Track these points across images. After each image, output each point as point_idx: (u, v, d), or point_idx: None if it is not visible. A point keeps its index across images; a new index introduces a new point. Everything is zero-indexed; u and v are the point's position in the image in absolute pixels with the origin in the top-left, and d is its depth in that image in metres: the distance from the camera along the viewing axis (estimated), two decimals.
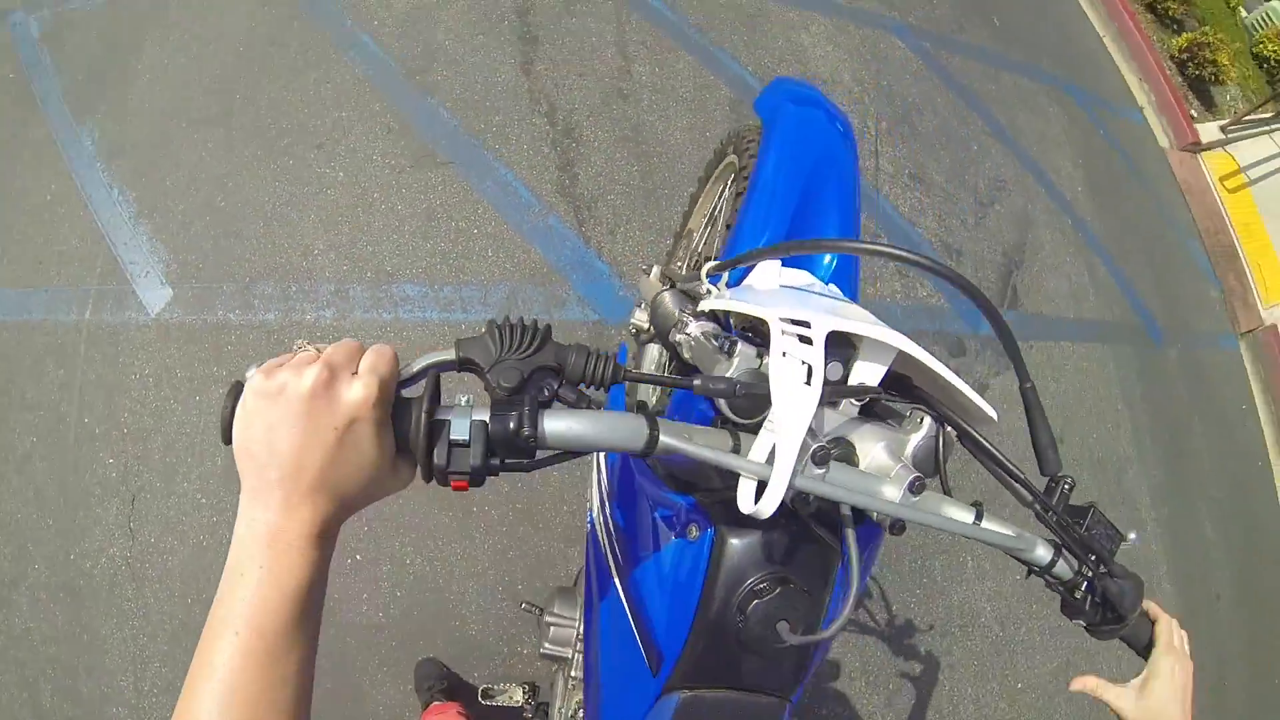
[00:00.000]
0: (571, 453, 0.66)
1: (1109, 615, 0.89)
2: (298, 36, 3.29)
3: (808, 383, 0.65)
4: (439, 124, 3.18)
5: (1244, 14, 9.15)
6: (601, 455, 1.17)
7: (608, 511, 1.05)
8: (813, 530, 0.78)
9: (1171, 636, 0.97)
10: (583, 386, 0.69)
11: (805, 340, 0.68)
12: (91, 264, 2.72)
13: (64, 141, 2.93)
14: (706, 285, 0.92)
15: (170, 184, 2.87)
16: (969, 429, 0.80)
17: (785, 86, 1.63)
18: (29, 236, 2.76)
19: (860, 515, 0.78)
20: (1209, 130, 6.80)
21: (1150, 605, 0.97)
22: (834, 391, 0.73)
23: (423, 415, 0.59)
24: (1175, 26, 7.22)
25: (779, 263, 0.88)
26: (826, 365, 0.69)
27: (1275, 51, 8.40)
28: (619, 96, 3.47)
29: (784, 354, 0.67)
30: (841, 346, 0.74)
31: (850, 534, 0.75)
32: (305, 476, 0.55)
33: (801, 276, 0.91)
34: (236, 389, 0.58)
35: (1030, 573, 0.88)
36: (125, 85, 3.09)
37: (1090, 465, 3.85)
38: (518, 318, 0.67)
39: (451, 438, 0.60)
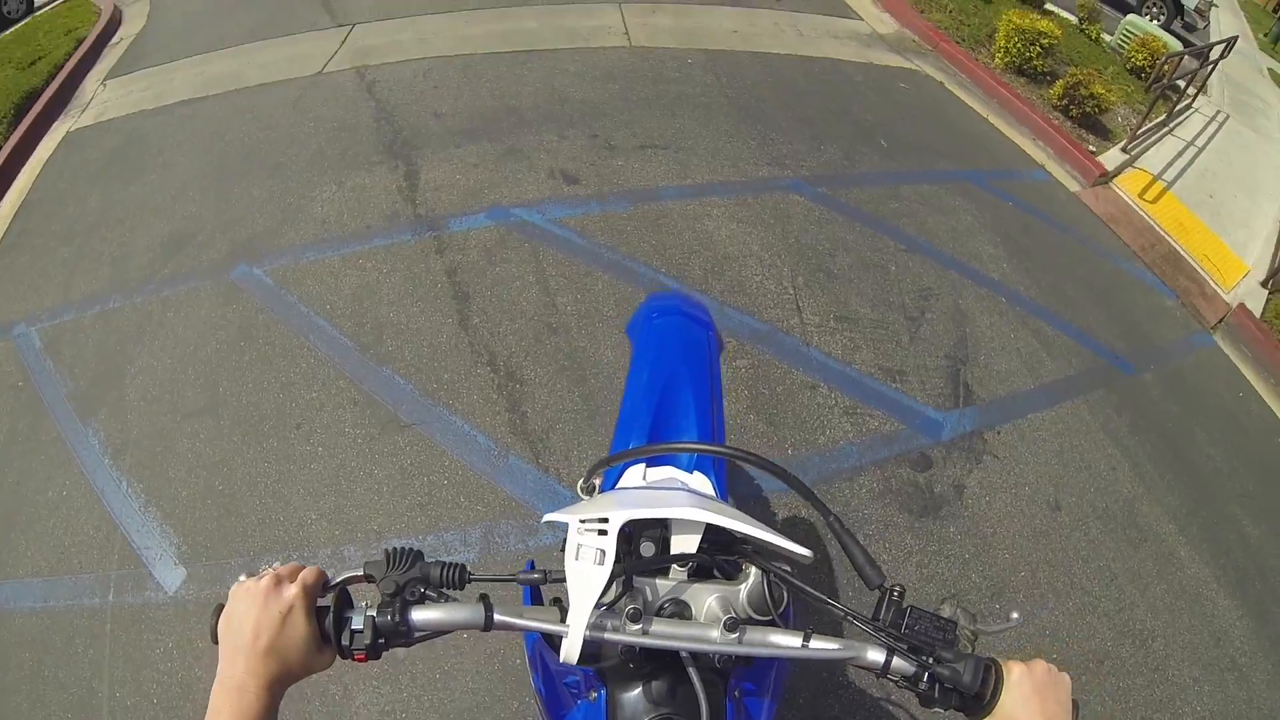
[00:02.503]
0: (440, 631, 0.93)
1: (963, 696, 0.93)
2: (264, 329, 3.74)
3: (601, 564, 0.86)
4: (397, 390, 3.52)
5: (1107, 39, 9.76)
6: (524, 637, 1.37)
7: (534, 683, 1.23)
8: (687, 672, 0.94)
9: (1024, 687, 0.94)
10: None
11: (604, 532, 0.88)
12: (109, 551, 2.99)
13: (73, 442, 3.32)
14: (580, 491, 1.15)
15: (172, 473, 3.20)
16: (781, 571, 0.96)
17: (649, 305, 1.81)
18: (50, 529, 3.07)
19: (705, 656, 0.96)
20: (1113, 157, 7.17)
21: (1003, 663, 0.97)
22: (638, 565, 0.95)
23: (331, 611, 0.90)
24: (1048, 79, 7.74)
25: (644, 463, 1.15)
26: (640, 544, 0.97)
27: (1145, 59, 8.92)
28: (549, 331, 3.81)
29: (578, 546, 0.88)
30: (655, 527, 0.99)
31: (692, 671, 0.93)
32: (259, 645, 0.85)
33: (664, 471, 1.17)
34: (219, 608, 0.90)
35: (878, 676, 0.96)
36: (122, 387, 3.50)
37: (1097, 518, 3.88)
38: (404, 545, 0.97)
39: (353, 628, 0.91)
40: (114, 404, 3.51)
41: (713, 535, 0.98)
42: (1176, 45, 9.97)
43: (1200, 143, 8.79)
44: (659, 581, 0.97)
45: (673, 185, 4.79)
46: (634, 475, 1.20)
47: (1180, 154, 8.20)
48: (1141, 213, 6.73)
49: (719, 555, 0.99)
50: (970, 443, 3.93)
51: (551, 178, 4.68)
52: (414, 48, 6.00)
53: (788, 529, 2.50)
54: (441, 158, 4.76)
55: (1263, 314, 6.31)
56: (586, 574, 0.86)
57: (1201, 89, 10.00)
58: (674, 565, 0.99)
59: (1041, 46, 7.62)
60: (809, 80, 6.38)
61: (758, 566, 0.96)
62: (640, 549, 0.99)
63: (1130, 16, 10.32)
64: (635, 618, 0.89)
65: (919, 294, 4.60)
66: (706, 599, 0.97)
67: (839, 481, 3.49)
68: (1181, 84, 8.61)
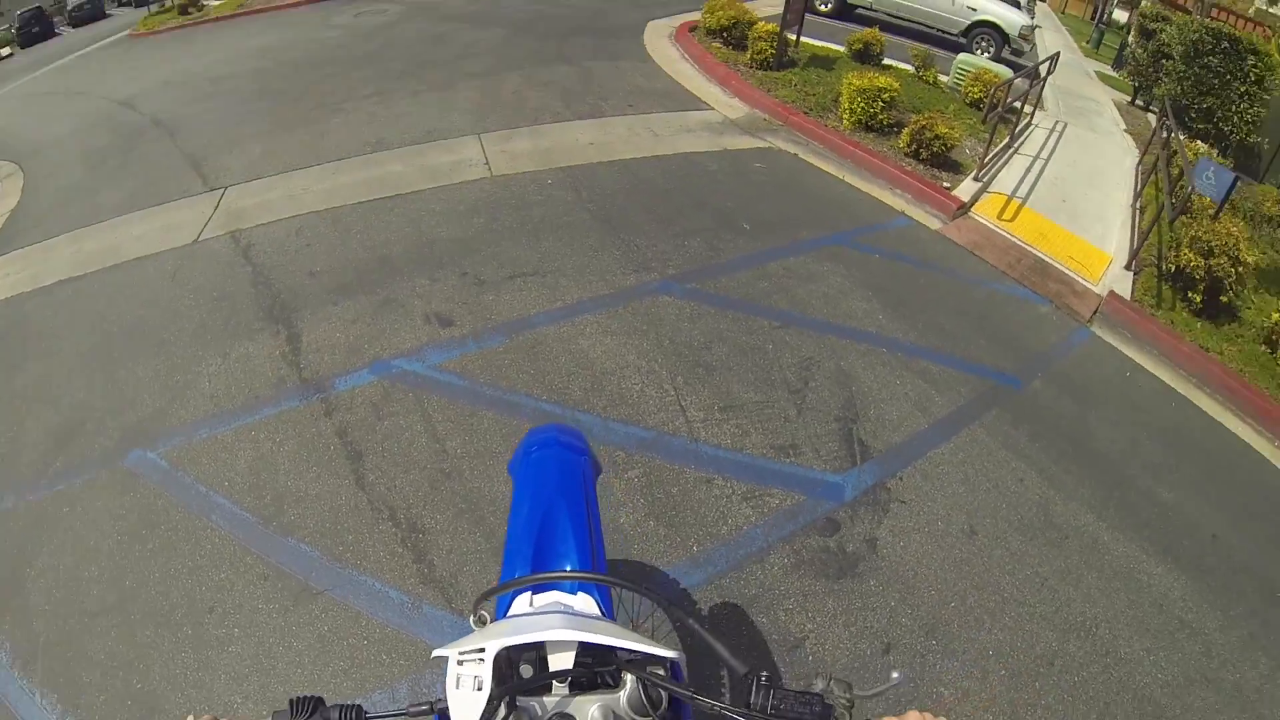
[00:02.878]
0: None
1: None
2: (164, 515, 3.66)
3: (479, 690, 0.95)
4: (305, 559, 3.47)
5: (944, 80, 10.52)
6: None
7: None
8: None
9: None
10: None
11: (480, 660, 0.98)
12: None
13: None
14: (473, 623, 1.21)
15: (87, 678, 3.04)
16: (651, 676, 1.04)
17: (527, 440, 1.92)
18: None
19: None
20: (967, 188, 7.65)
21: None
22: (518, 686, 1.03)
23: None
24: (895, 129, 8.30)
25: (530, 590, 1.28)
26: (520, 666, 1.07)
27: (981, 91, 9.64)
28: (444, 476, 3.82)
29: (458, 676, 0.98)
30: (533, 650, 1.08)
31: None
32: None
33: (550, 596, 1.27)
34: None
35: None
36: (24, 592, 3.36)
37: (1015, 531, 3.96)
38: (309, 695, 1.04)
39: None
40: (17, 611, 3.37)
41: (592, 649, 1.09)
42: (1008, 72, 10.80)
43: (1045, 154, 9.45)
44: (544, 699, 1.05)
45: (544, 310, 4.93)
46: (522, 603, 1.31)
47: (1029, 169, 8.79)
48: (1003, 233, 7.15)
49: (598, 667, 1.09)
50: (874, 495, 4.03)
51: (427, 323, 4.79)
52: (285, 206, 6.15)
53: (677, 633, 2.58)
54: (320, 317, 4.85)
55: (1132, 294, 6.68)
56: (466, 701, 0.96)
57: (1038, 105, 10.80)
58: (554, 682, 1.08)
59: (884, 101, 8.21)
60: (667, 178, 6.73)
61: (631, 673, 1.04)
62: (520, 671, 1.09)
63: (961, 55, 11.19)
64: None
65: (800, 366, 4.78)
66: (589, 709, 1.05)
67: (750, 565, 3.50)
68: (1019, 105, 9.31)
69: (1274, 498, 5.05)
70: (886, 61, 10.91)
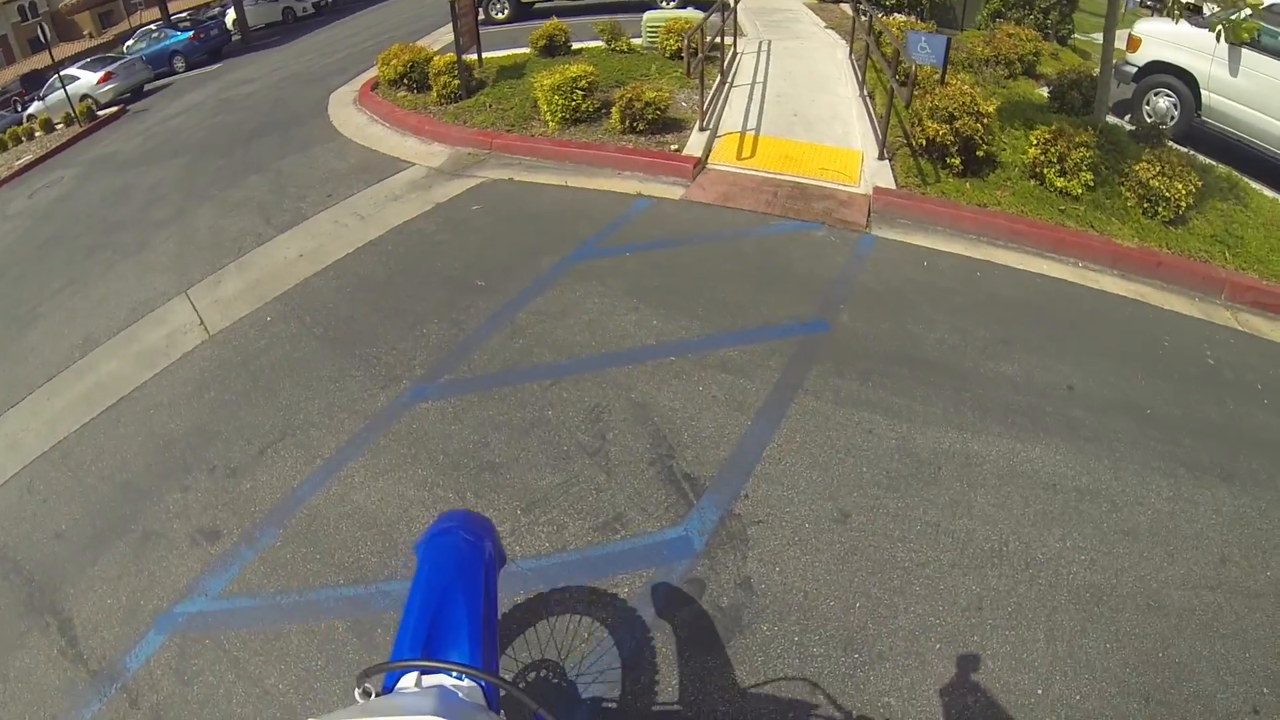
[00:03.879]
0: None
1: None
2: None
3: None
4: None
5: (638, 43, 10.02)
6: None
7: None
8: None
9: None
10: None
11: None
12: None
13: None
14: (358, 695, 1.10)
15: None
16: None
17: (436, 524, 1.82)
18: None
19: None
20: (697, 141, 7.06)
21: None
22: None
23: None
24: (605, 112, 7.63)
25: (417, 672, 1.23)
26: None
27: (675, 43, 9.16)
28: None
29: None
30: None
31: None
32: None
33: (437, 679, 1.23)
34: None
35: None
36: None
37: (886, 490, 3.36)
38: None
39: None
40: None
41: None
42: (697, 15, 10.49)
43: (760, 77, 9.14)
44: None
45: (306, 478, 3.89)
46: (409, 680, 1.25)
47: (750, 98, 8.41)
48: (749, 172, 6.62)
49: None
50: (726, 530, 3.30)
51: (195, 545, 3.70)
52: (8, 461, 4.71)
53: None
54: (85, 586, 3.71)
55: (896, 182, 6.32)
56: None
57: (737, 34, 10.56)
58: None
59: (582, 89, 7.52)
60: (386, 263, 5.72)
61: None
62: None
63: (648, 13, 10.74)
64: None
65: (589, 420, 3.94)
66: None
67: (627, 683, 2.71)
68: (719, 40, 8.91)
69: (1103, 318, 4.79)
70: (576, 46, 10.33)
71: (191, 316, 5.64)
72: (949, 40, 6.90)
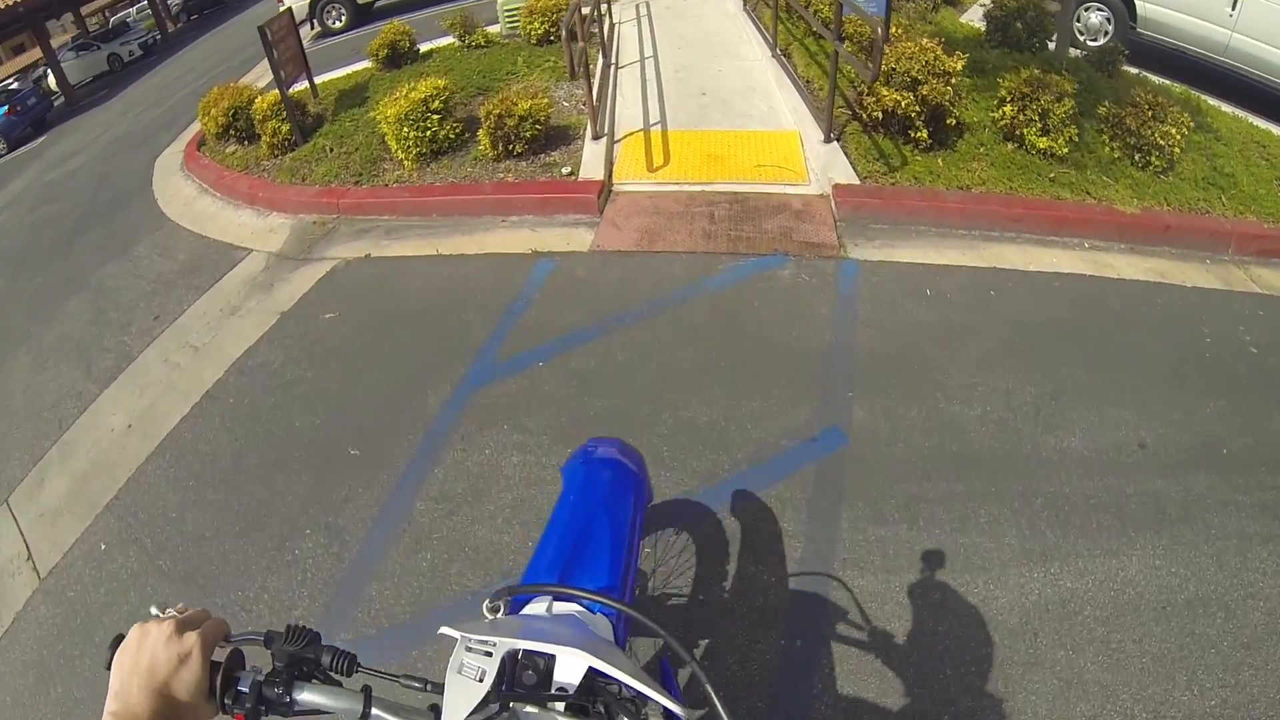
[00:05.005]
0: (319, 712, 0.92)
1: None
2: None
3: (480, 681, 0.91)
4: None
5: (496, 31, 8.38)
6: None
7: None
8: None
9: None
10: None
11: (489, 654, 0.94)
12: None
13: None
14: (485, 610, 1.08)
15: None
16: None
17: (586, 447, 1.80)
18: None
19: None
20: (594, 155, 5.61)
21: None
22: (517, 694, 0.95)
23: (223, 669, 0.90)
24: (472, 133, 6.05)
25: (550, 597, 1.23)
26: (524, 672, 0.98)
27: (541, 25, 7.61)
28: None
29: (462, 662, 0.93)
30: (542, 659, 0.99)
31: None
32: (153, 682, 0.85)
33: (569, 607, 1.23)
34: (118, 639, 0.89)
35: None
36: None
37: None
38: (307, 627, 0.95)
39: (239, 688, 0.90)
40: None
41: (598, 680, 1.00)
42: None
43: (650, 49, 7.62)
44: (538, 711, 0.95)
45: None
46: (539, 605, 1.22)
47: (644, 78, 6.91)
48: (670, 188, 5.18)
49: (597, 699, 0.99)
50: None
51: None
52: None
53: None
54: None
55: (856, 170, 5.01)
56: (465, 689, 0.91)
57: (609, 2, 8.94)
58: (554, 700, 0.97)
59: (436, 112, 5.85)
60: (230, 429, 3.93)
61: (627, 716, 0.96)
62: (523, 677, 1.00)
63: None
64: None
65: None
66: None
67: None
68: (595, 11, 7.29)
69: (1137, 320, 3.94)
70: (425, 48, 8.57)
71: (17, 544, 3.85)
72: None
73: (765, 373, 3.60)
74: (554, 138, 5.86)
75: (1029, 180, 4.83)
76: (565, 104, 6.46)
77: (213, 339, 4.89)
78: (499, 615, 1.07)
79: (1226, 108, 6.02)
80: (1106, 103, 5.19)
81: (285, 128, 6.91)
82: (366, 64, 8.61)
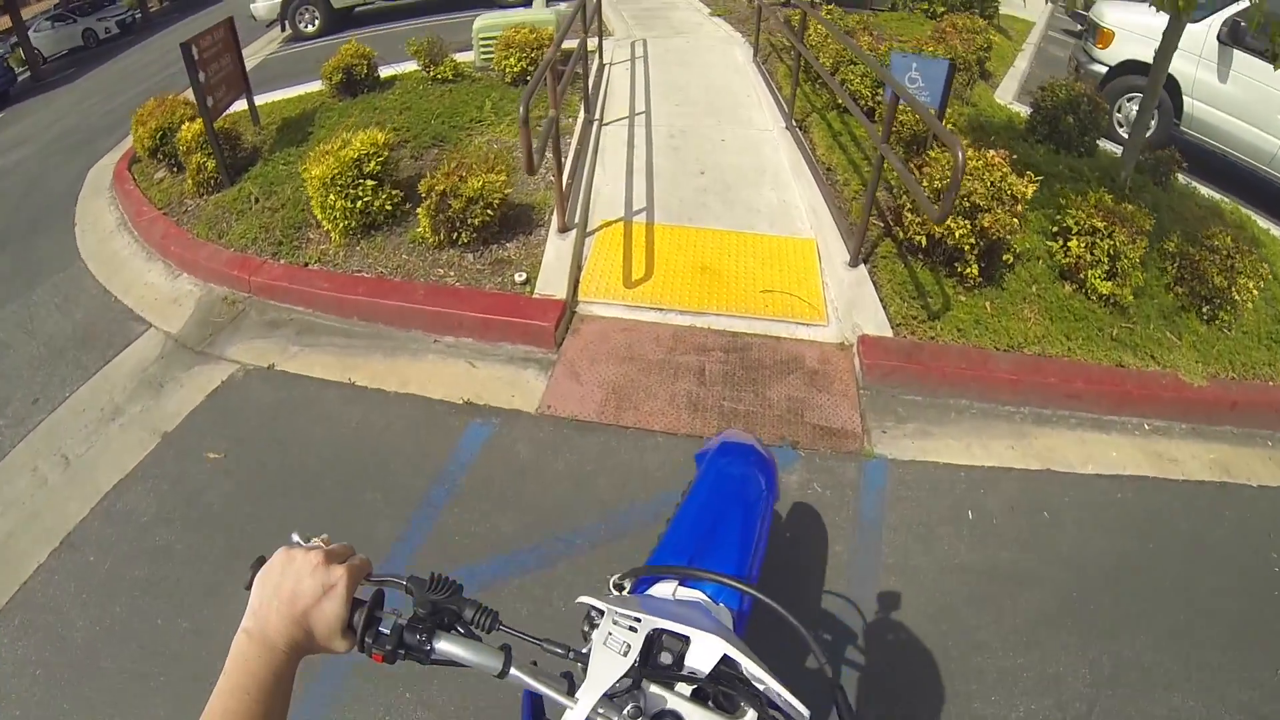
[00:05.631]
0: (455, 664, 0.91)
1: None
2: None
3: (624, 655, 0.91)
4: None
5: (466, 59, 7.34)
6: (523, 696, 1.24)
7: None
8: None
9: None
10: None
11: (634, 629, 0.94)
12: None
13: None
14: (612, 586, 1.16)
15: None
16: None
17: (723, 440, 1.79)
18: None
19: None
20: (555, 258, 4.61)
21: None
22: (655, 672, 0.94)
23: (366, 608, 0.88)
24: (416, 204, 5.01)
25: (677, 581, 1.25)
26: (657, 654, 0.99)
27: (518, 62, 6.58)
28: None
29: (609, 634, 0.94)
30: (678, 641, 1.00)
31: None
32: (294, 610, 0.83)
33: (694, 594, 1.25)
34: (261, 560, 0.88)
35: None
36: None
37: None
38: (452, 578, 0.93)
39: (380, 628, 0.89)
40: None
41: (724, 668, 0.99)
42: (548, 16, 7.83)
43: (643, 103, 6.60)
44: (664, 692, 0.94)
45: None
46: (665, 589, 1.24)
47: (631, 140, 5.91)
48: (650, 320, 4.18)
49: (723, 687, 0.98)
50: None
51: None
52: None
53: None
54: None
55: (888, 315, 4.06)
56: (609, 660, 0.91)
57: (603, 34, 7.92)
58: (682, 682, 0.96)
59: (372, 177, 4.75)
60: (84, 612, 2.76)
61: (755, 710, 0.94)
62: (659, 656, 1.00)
63: (480, 19, 7.94)
64: (634, 716, 0.89)
65: None
66: None
67: None
68: (585, 46, 6.28)
69: (1212, 551, 3.15)
70: (387, 74, 7.48)
71: None
72: (951, 66, 4.59)
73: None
74: (512, 222, 4.83)
75: (1089, 337, 3.93)
76: (537, 191, 5.41)
77: (87, 451, 3.81)
78: (624, 592, 1.12)
79: (1275, 229, 5.42)
80: (1176, 238, 4.30)
81: (211, 163, 5.81)
82: (318, 87, 7.51)
